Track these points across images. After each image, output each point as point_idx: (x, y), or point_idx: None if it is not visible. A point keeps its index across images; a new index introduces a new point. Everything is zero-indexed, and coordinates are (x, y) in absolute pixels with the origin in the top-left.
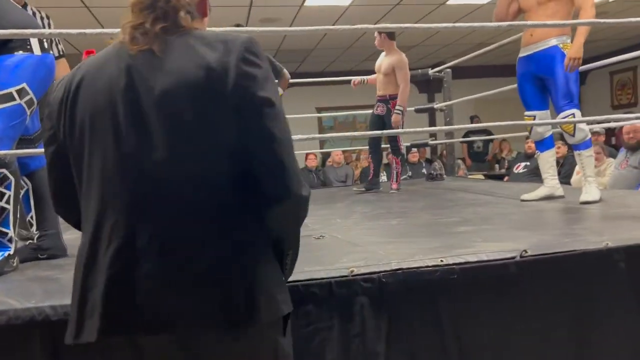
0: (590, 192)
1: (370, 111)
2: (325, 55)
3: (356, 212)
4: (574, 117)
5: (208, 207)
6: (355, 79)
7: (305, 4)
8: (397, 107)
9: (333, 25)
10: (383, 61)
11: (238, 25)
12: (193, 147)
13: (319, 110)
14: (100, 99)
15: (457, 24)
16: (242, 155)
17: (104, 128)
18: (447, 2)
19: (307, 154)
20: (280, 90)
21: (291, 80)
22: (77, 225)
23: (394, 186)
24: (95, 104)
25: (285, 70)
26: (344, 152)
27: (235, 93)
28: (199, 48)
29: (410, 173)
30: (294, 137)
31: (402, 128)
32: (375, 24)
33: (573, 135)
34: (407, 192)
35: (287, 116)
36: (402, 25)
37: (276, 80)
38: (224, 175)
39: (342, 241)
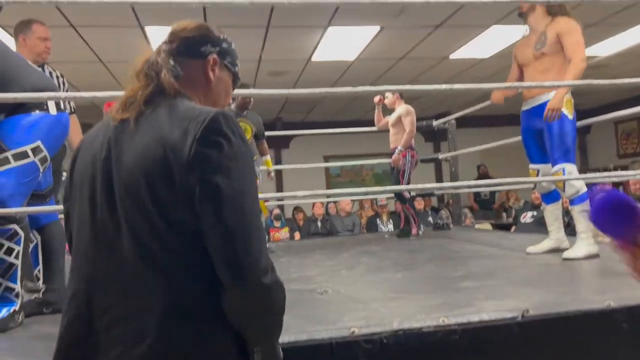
0: (578, 248)
1: (377, 160)
2: (333, 105)
3: (361, 264)
4: (563, 172)
5: (161, 290)
6: (377, 97)
7: (312, 58)
8: (398, 148)
9: (340, 77)
10: (391, 115)
11: (244, 86)
12: (149, 227)
13: (326, 158)
14: (87, 168)
15: (455, 86)
16: (198, 239)
17: (86, 196)
18: (450, 57)
19: (313, 203)
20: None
21: (299, 131)
22: None
23: (414, 232)
24: (84, 172)
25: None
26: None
27: (188, 174)
28: (166, 124)
29: None
30: (300, 192)
31: (408, 171)
32: (379, 78)
33: (564, 191)
34: (413, 242)
35: (293, 165)
36: (401, 87)
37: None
38: (181, 256)
39: (345, 297)
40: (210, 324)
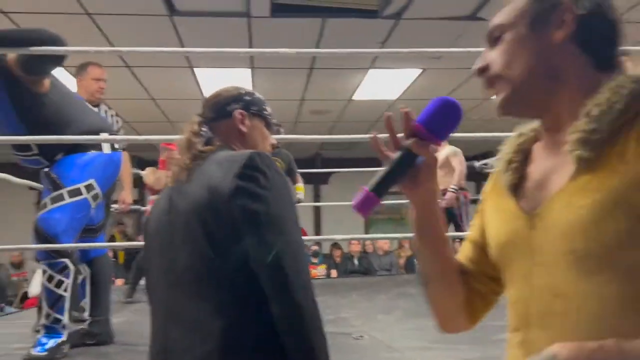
0: None
1: None
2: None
3: (399, 308)
4: None
5: (218, 322)
6: None
7: (354, 97)
8: (451, 186)
9: (381, 116)
10: (438, 157)
11: (275, 147)
12: (202, 262)
13: None
14: (155, 222)
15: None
16: (247, 268)
17: (155, 246)
18: (492, 98)
19: (350, 241)
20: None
21: (336, 169)
22: None
23: None
24: (154, 225)
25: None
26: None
27: (231, 206)
28: (210, 170)
29: None
30: (337, 236)
31: (465, 212)
32: None
33: None
34: None
35: (332, 203)
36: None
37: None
38: (232, 286)
39: (380, 343)
40: (261, 352)
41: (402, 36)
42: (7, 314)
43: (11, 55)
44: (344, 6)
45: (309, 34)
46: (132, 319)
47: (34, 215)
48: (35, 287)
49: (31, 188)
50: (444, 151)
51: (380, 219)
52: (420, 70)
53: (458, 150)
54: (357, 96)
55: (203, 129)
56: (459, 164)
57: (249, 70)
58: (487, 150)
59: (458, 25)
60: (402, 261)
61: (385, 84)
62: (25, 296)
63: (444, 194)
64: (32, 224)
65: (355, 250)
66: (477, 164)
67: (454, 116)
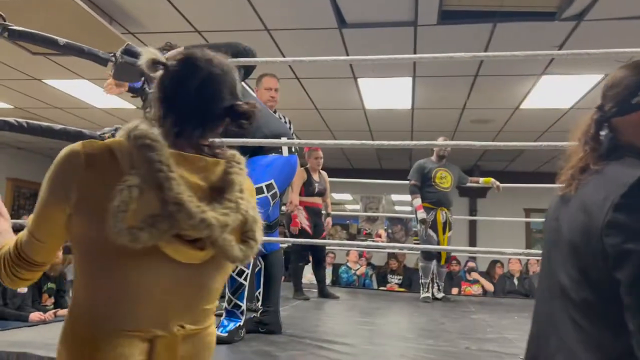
0: None
1: None
2: (539, 155)
3: (526, 332)
4: None
5: (582, 344)
6: None
7: (521, 106)
8: None
9: (551, 126)
10: None
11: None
12: (570, 282)
13: (528, 212)
14: (546, 227)
15: None
16: (618, 300)
17: (544, 252)
18: None
19: (510, 258)
20: None
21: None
22: None
23: None
24: (545, 229)
25: None
26: None
27: (603, 239)
28: (591, 190)
29: None
30: (508, 249)
31: None
32: None
33: None
34: None
35: (490, 217)
36: None
37: None
38: (599, 314)
39: None
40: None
41: (583, 39)
42: None
43: None
44: (519, 9)
45: (477, 41)
46: (293, 314)
47: None
48: None
49: None
50: None
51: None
52: (602, 76)
53: None
54: (525, 104)
55: (601, 132)
56: None
57: (409, 80)
58: None
59: None
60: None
61: (559, 92)
62: None
63: None
64: None
65: (515, 269)
66: None
67: None
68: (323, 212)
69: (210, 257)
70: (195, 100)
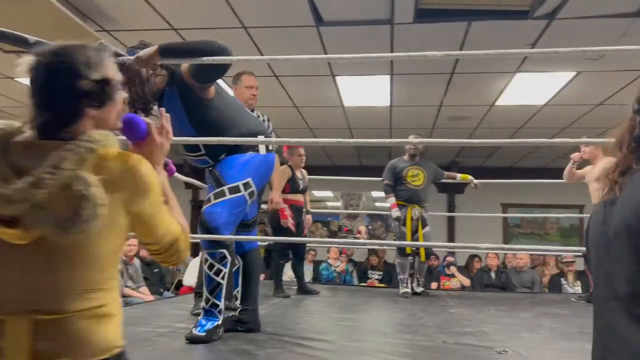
0: None
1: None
2: (515, 151)
3: (544, 327)
4: None
5: (633, 335)
6: (576, 154)
7: (497, 103)
8: None
9: (525, 122)
10: (593, 169)
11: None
12: (624, 275)
13: (505, 207)
14: (592, 231)
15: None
16: None
17: (593, 257)
18: None
19: (487, 253)
20: None
21: (477, 180)
22: None
23: None
24: (591, 234)
25: None
26: (530, 255)
27: None
28: (637, 180)
29: None
30: (482, 245)
31: None
32: (572, 123)
33: None
34: None
35: (468, 214)
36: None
37: None
38: None
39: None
40: None
41: (555, 37)
42: (166, 298)
43: (185, 65)
44: (493, 8)
45: (452, 39)
46: (273, 312)
47: (188, 211)
48: (188, 277)
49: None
50: (603, 162)
51: (520, 233)
52: (575, 73)
53: None
54: (500, 101)
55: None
56: None
57: (387, 77)
58: None
59: (622, 24)
60: (545, 279)
61: (534, 89)
62: (179, 284)
63: None
64: (188, 219)
65: (492, 264)
66: None
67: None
68: (304, 209)
69: (39, 237)
70: (36, 92)
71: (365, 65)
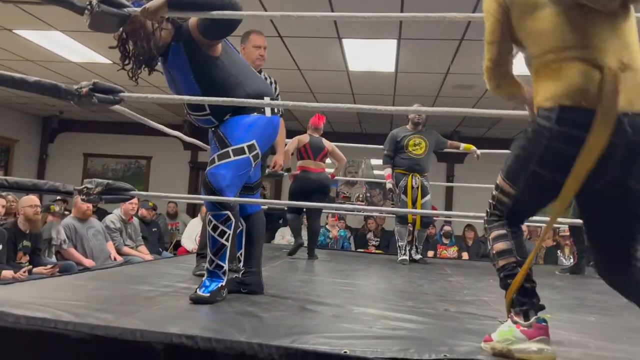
0: None
1: None
2: (518, 122)
3: (544, 299)
4: None
5: None
6: None
7: None
8: None
9: None
10: None
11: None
12: None
13: None
14: None
15: None
16: None
17: None
18: None
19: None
20: None
21: (479, 150)
22: None
23: None
24: None
25: None
26: (527, 226)
27: None
28: None
29: None
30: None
31: None
32: None
33: None
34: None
35: (466, 184)
36: None
37: None
38: None
39: None
40: None
41: None
42: (165, 258)
43: (193, 19)
44: None
45: (465, 3)
46: (274, 274)
47: (188, 172)
48: (186, 237)
49: (186, 148)
50: None
51: None
52: None
53: None
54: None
55: None
56: None
57: (394, 42)
58: None
59: None
60: (541, 252)
61: None
62: (178, 244)
63: None
64: (186, 180)
65: None
66: None
67: None
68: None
69: None
70: None
71: (372, 28)
